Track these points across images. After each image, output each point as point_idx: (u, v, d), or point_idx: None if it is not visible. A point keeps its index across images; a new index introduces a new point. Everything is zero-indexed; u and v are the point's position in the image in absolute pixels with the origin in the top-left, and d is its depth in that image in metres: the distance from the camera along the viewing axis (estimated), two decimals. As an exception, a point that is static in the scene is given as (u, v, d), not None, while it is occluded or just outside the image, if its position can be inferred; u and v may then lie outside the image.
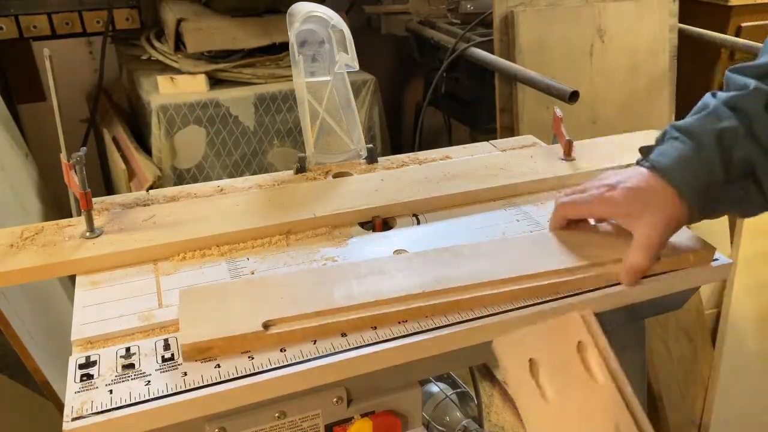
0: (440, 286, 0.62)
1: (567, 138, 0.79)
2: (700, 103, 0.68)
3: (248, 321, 0.57)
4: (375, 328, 0.59)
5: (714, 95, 0.67)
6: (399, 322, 0.60)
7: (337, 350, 0.57)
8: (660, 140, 0.68)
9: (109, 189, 1.85)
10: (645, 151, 0.69)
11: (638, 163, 0.69)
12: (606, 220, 0.72)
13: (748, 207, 0.66)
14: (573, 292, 0.65)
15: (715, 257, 0.72)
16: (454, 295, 0.61)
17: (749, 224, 1.78)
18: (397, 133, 2.34)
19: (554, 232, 0.72)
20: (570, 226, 0.73)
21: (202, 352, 0.56)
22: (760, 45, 1.37)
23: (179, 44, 1.57)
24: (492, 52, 1.51)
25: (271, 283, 0.63)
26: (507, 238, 0.74)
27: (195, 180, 1.54)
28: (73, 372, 0.55)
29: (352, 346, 0.58)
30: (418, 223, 0.80)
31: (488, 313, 0.61)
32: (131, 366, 0.56)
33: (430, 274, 0.64)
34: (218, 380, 0.54)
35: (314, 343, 0.58)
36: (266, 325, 0.57)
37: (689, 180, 0.63)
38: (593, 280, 0.66)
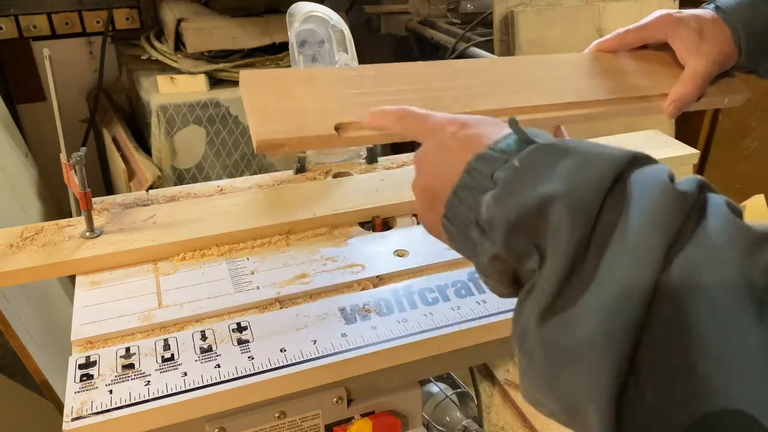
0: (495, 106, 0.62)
1: (567, 138, 0.79)
2: None
3: (320, 122, 0.56)
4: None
5: None
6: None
7: (337, 350, 0.58)
8: None
9: (109, 189, 1.85)
10: None
11: (704, 6, 0.71)
12: (664, 42, 0.72)
13: None
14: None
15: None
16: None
17: (749, 224, 1.78)
18: (397, 133, 2.34)
19: (601, 54, 0.72)
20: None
21: (273, 148, 0.54)
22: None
23: (179, 44, 1.56)
24: (492, 52, 1.51)
25: (334, 81, 0.61)
26: (553, 59, 0.72)
27: (195, 180, 1.53)
28: (73, 372, 0.55)
29: (352, 347, 0.58)
30: (418, 223, 0.80)
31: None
32: (131, 366, 0.56)
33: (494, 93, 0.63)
34: (218, 380, 0.54)
35: (314, 343, 0.58)
36: (337, 128, 0.56)
37: (745, 23, 0.66)
38: (636, 111, 0.68)
